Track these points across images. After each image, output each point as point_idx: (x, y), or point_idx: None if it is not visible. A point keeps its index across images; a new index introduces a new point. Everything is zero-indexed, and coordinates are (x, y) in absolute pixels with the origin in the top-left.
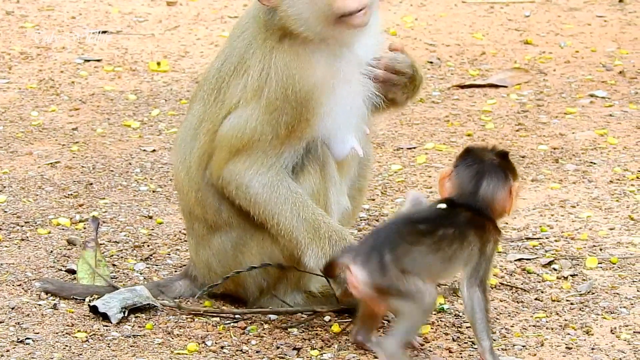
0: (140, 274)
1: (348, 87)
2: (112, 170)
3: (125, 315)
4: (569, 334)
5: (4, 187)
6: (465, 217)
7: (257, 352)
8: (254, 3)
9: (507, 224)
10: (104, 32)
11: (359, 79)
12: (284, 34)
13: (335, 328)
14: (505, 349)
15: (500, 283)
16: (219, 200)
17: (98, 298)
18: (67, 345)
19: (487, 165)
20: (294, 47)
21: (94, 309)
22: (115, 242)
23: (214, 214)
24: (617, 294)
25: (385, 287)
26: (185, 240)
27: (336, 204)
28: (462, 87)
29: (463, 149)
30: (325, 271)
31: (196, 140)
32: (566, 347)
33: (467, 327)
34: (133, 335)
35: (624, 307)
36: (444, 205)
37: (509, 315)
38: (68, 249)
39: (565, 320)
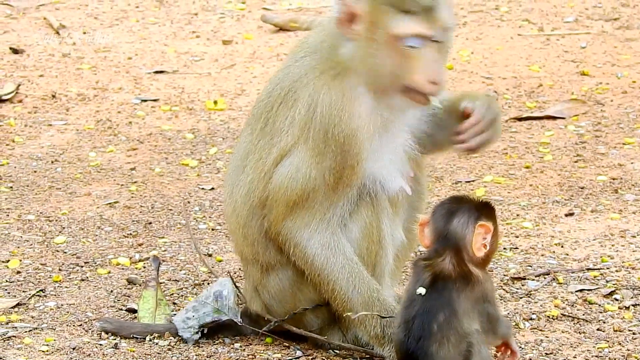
0: None
1: (390, 135)
2: (170, 209)
3: (204, 332)
4: None
5: (64, 228)
6: (446, 287)
7: None
8: (322, 29)
9: (567, 255)
10: (161, 71)
11: (401, 127)
12: (342, 70)
13: None
14: None
15: (562, 314)
16: (266, 237)
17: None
18: None
19: (460, 205)
20: (345, 87)
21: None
22: (175, 280)
23: (263, 252)
24: None
25: None
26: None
27: (390, 237)
28: (520, 119)
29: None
30: None
31: (243, 173)
32: None
33: None
34: None
35: None
36: (422, 290)
37: (571, 346)
38: (128, 289)
39: (628, 350)
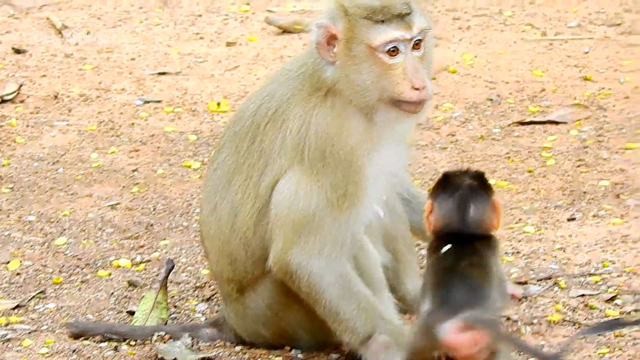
0: (202, 314)
1: (381, 154)
2: (172, 211)
3: None
4: None
5: (64, 229)
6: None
7: None
8: (307, 52)
9: (569, 260)
10: (164, 73)
11: (392, 146)
12: (330, 91)
13: None
14: None
15: (563, 319)
16: (250, 254)
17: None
18: None
19: (467, 190)
20: (337, 106)
21: None
22: (177, 283)
23: (245, 272)
24: None
25: (496, 336)
26: None
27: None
28: (523, 123)
29: (440, 177)
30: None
31: (228, 192)
32: None
33: None
34: None
35: None
36: (448, 247)
37: (572, 352)
38: (129, 291)
39: (629, 355)
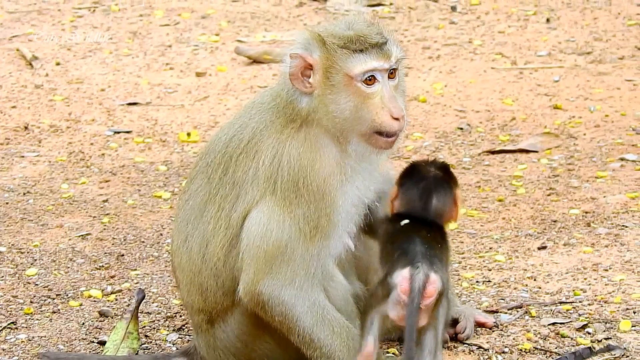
0: (173, 344)
1: (353, 185)
2: (143, 242)
3: None
4: None
5: (35, 260)
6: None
7: None
8: (278, 83)
9: (540, 288)
10: (134, 103)
11: (364, 177)
12: (304, 122)
13: None
14: None
15: (534, 347)
16: (220, 284)
17: None
18: None
19: (432, 181)
20: (310, 138)
21: None
22: (148, 313)
23: (216, 302)
24: None
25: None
26: None
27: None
28: (493, 152)
29: (408, 165)
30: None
31: (200, 222)
32: None
33: None
34: None
35: None
36: (406, 221)
37: None
38: (100, 321)
39: None
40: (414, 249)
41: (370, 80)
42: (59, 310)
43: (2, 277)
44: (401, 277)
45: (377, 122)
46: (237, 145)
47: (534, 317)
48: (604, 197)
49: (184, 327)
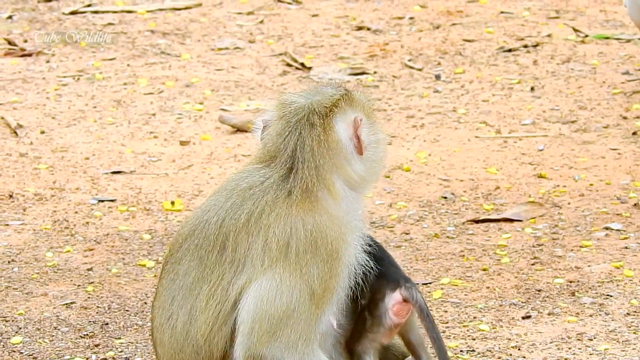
0: None
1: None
2: (127, 310)
3: None
4: None
5: (20, 328)
6: None
7: None
8: (248, 167)
9: (524, 358)
10: (118, 172)
11: (355, 236)
12: (303, 191)
13: None
14: None
15: None
16: None
17: None
18: None
19: None
20: (320, 200)
21: None
22: None
23: None
24: None
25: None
26: None
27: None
28: (477, 221)
29: None
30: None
31: (188, 300)
32: None
33: None
34: None
35: None
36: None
37: None
38: None
39: None
40: (389, 269)
41: None
42: None
43: None
44: (394, 300)
45: None
46: (233, 225)
47: None
48: (589, 266)
49: None
